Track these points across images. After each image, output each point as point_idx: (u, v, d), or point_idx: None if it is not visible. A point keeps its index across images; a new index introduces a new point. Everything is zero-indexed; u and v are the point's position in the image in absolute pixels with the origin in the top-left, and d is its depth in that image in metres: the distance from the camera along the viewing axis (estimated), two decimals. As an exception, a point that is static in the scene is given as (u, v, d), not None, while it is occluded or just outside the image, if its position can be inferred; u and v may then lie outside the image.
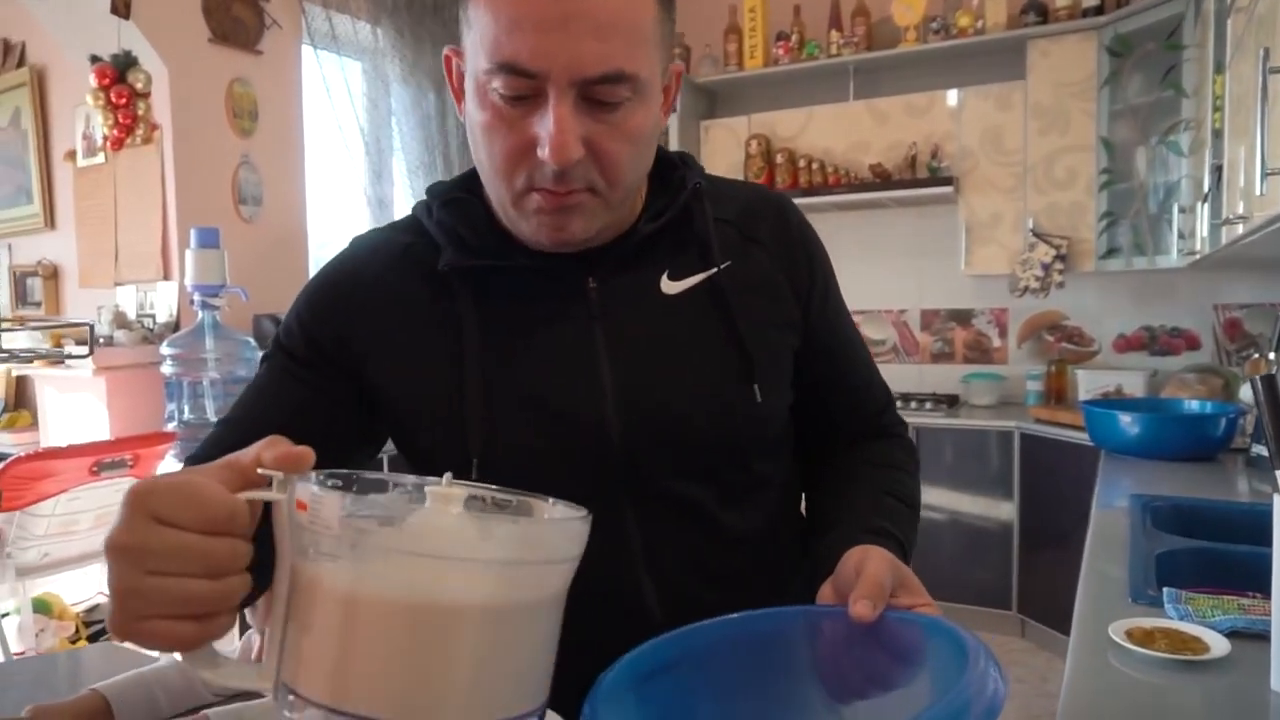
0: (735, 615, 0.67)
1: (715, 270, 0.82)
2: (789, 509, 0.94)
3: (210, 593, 0.48)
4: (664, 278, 0.82)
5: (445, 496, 0.50)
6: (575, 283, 0.80)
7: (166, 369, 2.75)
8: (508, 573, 0.48)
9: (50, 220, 3.60)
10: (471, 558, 0.47)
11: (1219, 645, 1.07)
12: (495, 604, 0.48)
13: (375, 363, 0.80)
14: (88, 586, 2.71)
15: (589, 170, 0.71)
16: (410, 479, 0.55)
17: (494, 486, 0.56)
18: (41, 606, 2.46)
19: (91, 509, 2.38)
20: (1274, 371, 1.66)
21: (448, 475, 0.52)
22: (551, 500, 0.56)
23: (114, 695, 0.90)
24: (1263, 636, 1.10)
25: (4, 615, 2.39)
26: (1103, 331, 3.68)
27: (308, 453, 0.51)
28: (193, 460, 0.76)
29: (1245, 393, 2.73)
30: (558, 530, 0.53)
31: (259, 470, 0.50)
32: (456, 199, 0.82)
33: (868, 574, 0.64)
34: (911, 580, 0.68)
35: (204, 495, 0.47)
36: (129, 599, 0.47)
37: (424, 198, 0.84)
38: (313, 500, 0.48)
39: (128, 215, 3.26)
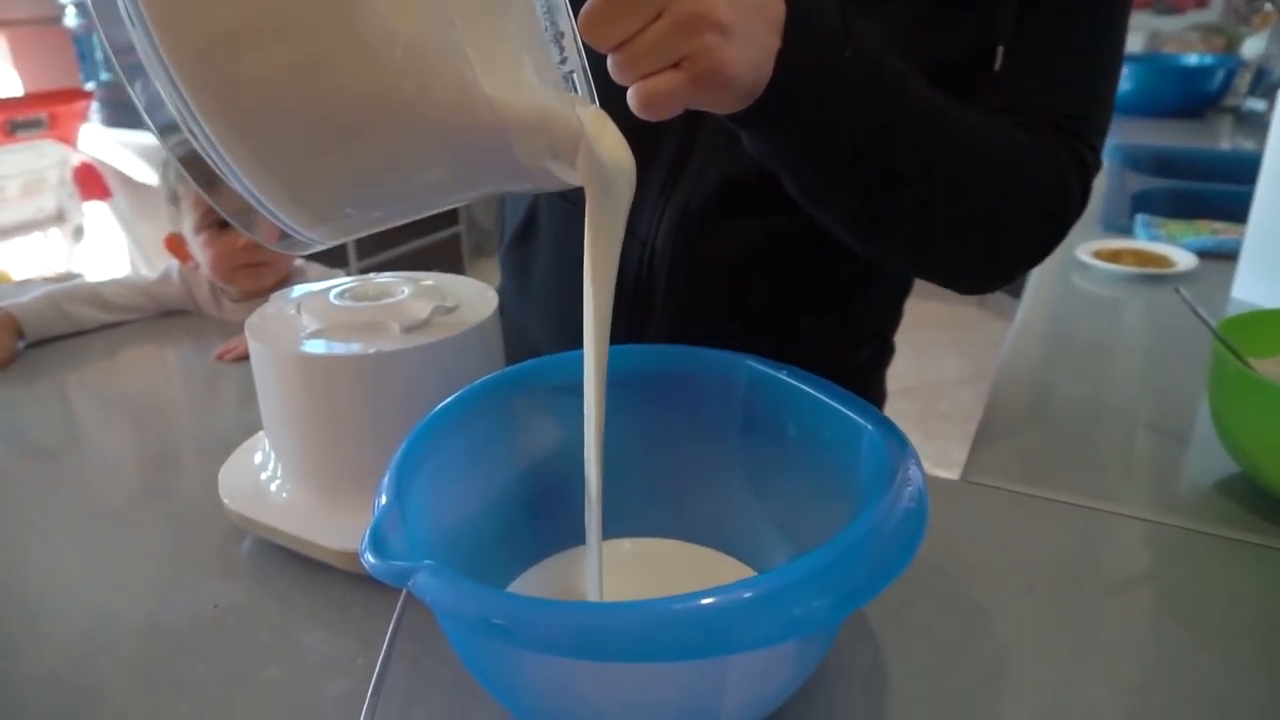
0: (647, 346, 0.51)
1: None
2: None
3: None
4: None
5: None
6: None
7: (71, 21, 2.46)
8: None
9: None
10: None
11: (1186, 260, 1.04)
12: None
13: None
14: (31, 260, 2.63)
15: None
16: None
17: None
18: (-14, 278, 2.40)
19: (16, 174, 2.24)
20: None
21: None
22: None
23: (20, 310, 0.86)
24: (1231, 256, 1.07)
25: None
26: (1107, -11, 3.38)
27: None
28: None
29: (1248, 48, 2.56)
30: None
31: None
32: None
33: None
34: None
35: None
36: None
37: None
38: None
39: None
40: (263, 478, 0.57)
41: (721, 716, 0.34)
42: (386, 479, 0.39)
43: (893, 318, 0.77)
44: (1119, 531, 0.57)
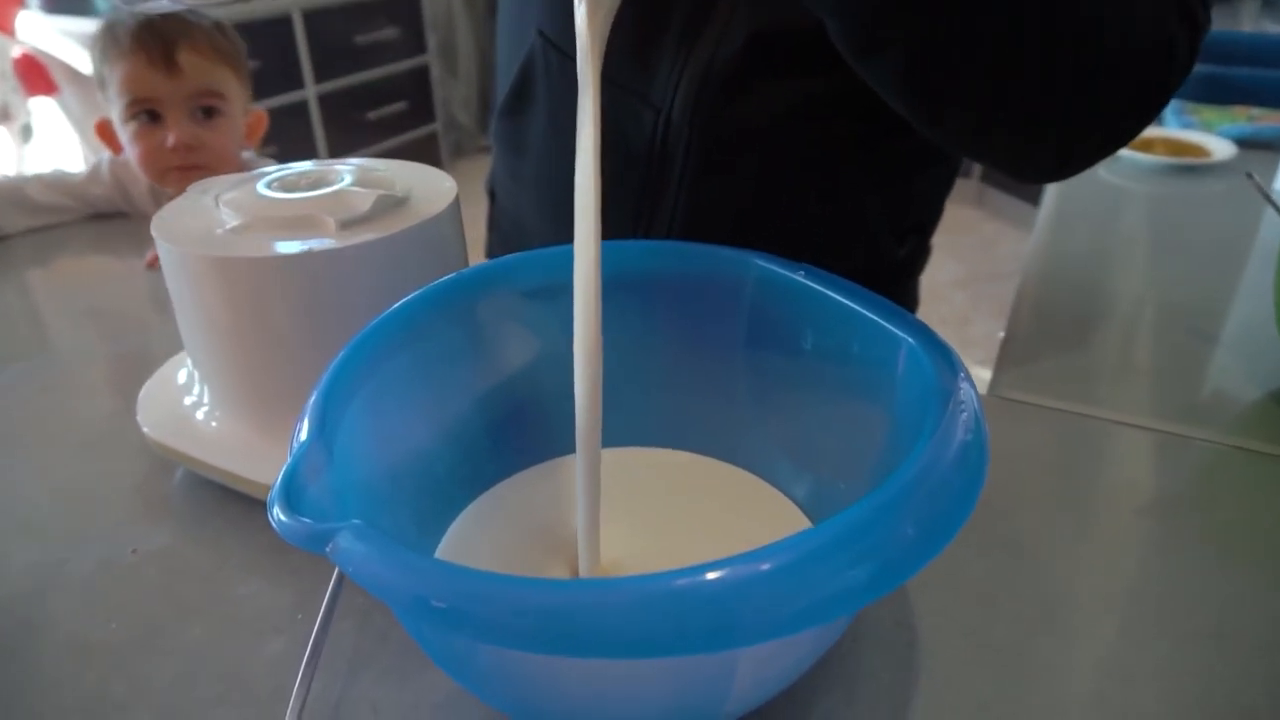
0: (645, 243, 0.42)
1: None
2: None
3: None
4: None
5: None
6: None
7: (0, -104, 2.24)
8: None
9: None
10: None
11: (1223, 150, 0.95)
12: None
13: None
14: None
15: None
16: None
17: None
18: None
19: (-49, 67, 2.07)
20: None
21: None
22: None
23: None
24: (1271, 145, 0.98)
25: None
26: None
27: None
28: None
29: (1275, -75, 2.40)
30: None
31: None
32: None
33: None
34: None
35: None
36: None
37: None
38: None
39: None
40: (187, 402, 0.49)
41: (728, 704, 0.28)
42: (308, 410, 0.31)
43: (935, 212, 0.68)
44: (1170, 451, 0.50)
